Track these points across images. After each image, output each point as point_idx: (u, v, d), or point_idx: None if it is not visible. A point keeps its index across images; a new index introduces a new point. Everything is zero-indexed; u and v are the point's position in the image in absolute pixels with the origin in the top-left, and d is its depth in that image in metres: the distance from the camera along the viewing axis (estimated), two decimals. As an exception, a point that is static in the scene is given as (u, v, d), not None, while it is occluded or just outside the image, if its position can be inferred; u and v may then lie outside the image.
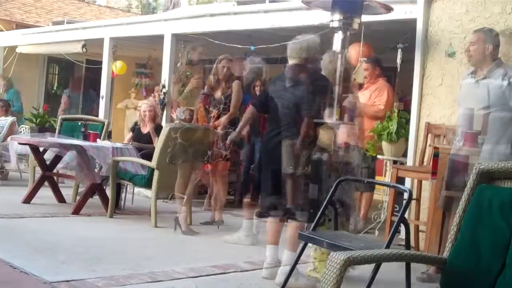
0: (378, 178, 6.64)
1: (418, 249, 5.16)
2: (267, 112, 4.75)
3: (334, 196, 3.61)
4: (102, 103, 9.38)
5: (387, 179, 5.96)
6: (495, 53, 4.15)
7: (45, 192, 6.69)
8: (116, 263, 4.22)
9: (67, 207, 6.41)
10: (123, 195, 6.70)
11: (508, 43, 4.07)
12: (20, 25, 12.43)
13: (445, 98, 5.46)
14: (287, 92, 4.58)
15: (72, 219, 5.94)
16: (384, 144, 5.81)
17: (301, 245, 3.62)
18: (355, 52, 6.42)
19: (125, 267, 4.13)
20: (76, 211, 6.08)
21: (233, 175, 6.85)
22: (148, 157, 6.03)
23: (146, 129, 6.85)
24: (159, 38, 8.31)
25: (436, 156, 4.47)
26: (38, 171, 6.84)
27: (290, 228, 4.22)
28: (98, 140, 6.77)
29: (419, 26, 5.65)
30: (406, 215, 3.57)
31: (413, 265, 3.09)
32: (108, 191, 6.21)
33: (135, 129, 7.16)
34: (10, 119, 8.56)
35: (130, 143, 6.83)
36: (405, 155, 5.82)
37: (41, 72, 13.18)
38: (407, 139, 5.72)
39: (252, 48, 7.60)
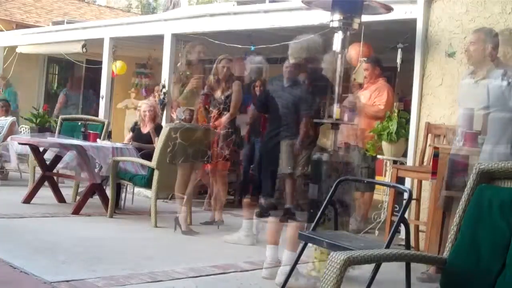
0: (378, 178, 6.64)
1: (418, 249, 5.16)
2: (267, 112, 4.75)
3: (334, 196, 3.60)
4: (102, 103, 9.38)
5: (387, 179, 5.96)
6: (494, 53, 4.15)
7: (45, 192, 6.69)
8: (116, 263, 4.22)
9: (67, 207, 6.41)
10: (123, 195, 6.70)
11: (507, 43, 4.06)
12: (20, 25, 12.43)
13: (445, 98, 5.46)
14: (286, 92, 4.58)
15: (72, 219, 5.94)
16: (384, 144, 5.81)
17: (301, 245, 3.62)
18: (355, 52, 6.42)
19: (125, 267, 4.13)
20: (76, 211, 6.08)
21: (233, 175, 6.85)
22: (148, 157, 6.03)
23: (146, 129, 6.86)
24: (159, 38, 8.31)
25: (436, 156, 4.47)
26: (38, 171, 6.84)
27: (290, 228, 4.22)
28: (98, 140, 6.77)
29: (419, 26, 5.65)
30: (406, 215, 3.57)
31: (413, 265, 3.09)
32: (108, 191, 6.21)
33: (135, 129, 7.17)
34: (10, 119, 8.56)
35: (130, 143, 6.83)
36: (405, 155, 5.82)
37: (41, 72, 13.18)
38: (407, 139, 5.72)
39: (252, 48, 7.60)
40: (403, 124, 5.70)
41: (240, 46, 7.34)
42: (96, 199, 6.47)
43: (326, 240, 3.28)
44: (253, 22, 7.30)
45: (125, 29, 9.16)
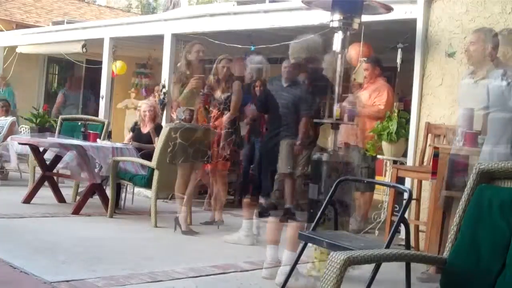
0: (378, 178, 6.64)
1: (418, 249, 5.16)
2: (268, 112, 4.76)
3: (334, 196, 3.60)
4: (102, 103, 9.38)
5: (387, 179, 5.96)
6: (494, 53, 4.14)
7: (45, 192, 6.69)
8: (116, 263, 4.22)
9: (67, 207, 6.41)
10: (123, 195, 6.70)
11: (507, 43, 4.06)
12: (20, 25, 12.42)
13: (445, 98, 5.46)
14: (285, 92, 4.58)
15: (72, 219, 5.94)
16: (384, 144, 5.81)
17: (301, 245, 3.62)
18: (355, 52, 6.42)
19: (125, 267, 4.13)
20: (76, 211, 6.08)
21: (233, 175, 6.85)
22: (148, 157, 6.03)
23: (146, 129, 6.86)
24: (159, 38, 8.31)
25: (436, 156, 4.47)
26: (38, 171, 6.84)
27: (290, 228, 4.22)
28: (98, 140, 6.77)
29: (419, 26, 5.65)
30: (406, 215, 3.57)
31: (413, 265, 3.09)
32: (108, 191, 6.21)
33: (135, 129, 7.17)
34: (10, 119, 8.56)
35: (130, 143, 6.83)
36: (405, 155, 5.82)
37: (41, 72, 13.18)
38: (407, 139, 5.72)
39: (252, 48, 7.60)
40: (403, 124, 5.71)
41: (240, 46, 7.34)
42: (96, 199, 6.47)
43: (326, 240, 3.28)
44: (253, 22, 7.30)
45: (125, 29, 9.16)
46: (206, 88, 6.10)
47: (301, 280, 4.00)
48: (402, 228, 3.91)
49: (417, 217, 5.37)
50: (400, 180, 5.33)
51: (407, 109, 5.99)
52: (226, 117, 5.90)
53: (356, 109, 5.44)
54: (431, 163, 4.82)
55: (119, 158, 6.15)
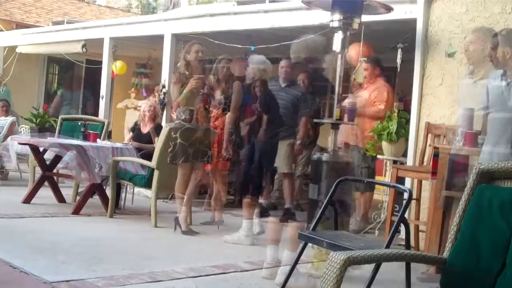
0: (378, 178, 6.64)
1: (418, 249, 5.16)
2: (268, 112, 4.76)
3: (334, 196, 3.60)
4: (102, 103, 9.38)
5: (387, 179, 5.96)
6: (494, 53, 4.14)
7: (45, 192, 6.69)
8: (116, 263, 4.22)
9: (67, 207, 6.41)
10: (123, 195, 6.71)
11: (507, 43, 4.05)
12: (20, 25, 12.42)
13: (445, 98, 5.46)
14: (283, 92, 4.59)
15: (72, 219, 5.94)
16: (384, 144, 5.81)
17: (301, 245, 3.62)
18: (355, 52, 6.42)
19: (125, 267, 4.13)
20: (76, 211, 6.08)
21: (233, 175, 6.85)
22: (148, 157, 6.03)
23: (146, 129, 6.87)
24: (159, 38, 8.31)
25: (436, 156, 4.47)
26: (38, 171, 6.84)
27: (290, 228, 4.22)
28: (98, 140, 6.77)
29: (419, 26, 5.65)
30: (406, 215, 3.57)
31: (413, 265, 3.09)
32: (108, 191, 6.21)
33: (135, 129, 7.17)
34: (10, 119, 8.56)
35: (130, 143, 6.84)
36: (405, 155, 5.82)
37: (41, 72, 13.17)
38: (407, 139, 5.72)
39: (252, 48, 7.60)
40: (403, 124, 5.71)
41: (240, 46, 7.34)
42: (96, 199, 6.47)
43: (326, 240, 3.28)
44: (253, 22, 7.30)
45: (125, 29, 9.16)
46: (206, 88, 6.10)
47: (301, 280, 4.00)
48: (402, 228, 3.91)
49: (417, 217, 5.37)
50: (400, 180, 5.33)
51: (407, 109, 5.99)
52: (228, 118, 5.88)
53: (356, 109, 5.45)
54: (431, 163, 4.82)
55: (119, 158, 6.15)
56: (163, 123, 7.42)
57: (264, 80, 5.39)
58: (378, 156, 6.06)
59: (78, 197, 6.69)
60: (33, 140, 6.75)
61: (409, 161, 5.70)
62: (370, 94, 6.28)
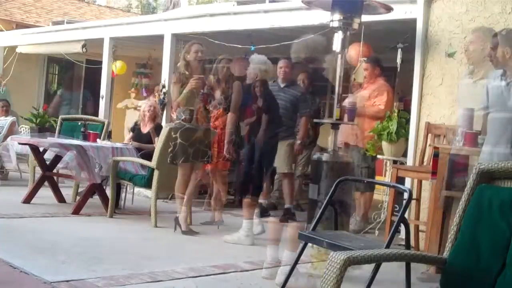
0: (378, 178, 6.64)
1: (418, 249, 5.16)
2: (268, 113, 4.77)
3: (334, 196, 3.60)
4: (102, 103, 9.38)
5: (387, 179, 5.96)
6: (493, 53, 4.14)
7: (45, 192, 6.69)
8: (116, 263, 4.22)
9: (67, 207, 6.41)
10: (123, 195, 6.71)
11: (507, 43, 4.05)
12: (20, 25, 12.42)
13: (445, 98, 5.46)
14: (282, 93, 4.60)
15: (72, 219, 5.94)
16: (384, 144, 5.81)
17: (301, 245, 3.62)
18: (355, 52, 6.42)
19: (125, 267, 4.13)
20: (76, 211, 6.08)
21: (233, 175, 6.85)
22: (148, 157, 6.03)
23: (146, 129, 6.87)
24: (159, 38, 8.31)
25: (436, 156, 4.47)
26: (38, 171, 6.84)
27: (290, 228, 4.23)
28: (98, 140, 6.77)
29: (419, 26, 5.65)
30: (406, 215, 3.57)
31: (413, 265, 3.09)
32: (108, 191, 6.21)
33: (135, 129, 7.17)
34: (10, 119, 8.56)
35: (130, 143, 6.84)
36: (405, 155, 5.82)
37: (41, 72, 13.17)
38: (407, 139, 5.72)
39: (252, 48, 7.59)
40: (403, 124, 5.70)
41: (240, 46, 7.34)
42: (96, 199, 6.47)
43: (326, 240, 3.28)
44: (253, 22, 7.30)
45: (125, 29, 9.16)
46: (206, 88, 6.10)
47: (301, 280, 4.00)
48: (402, 228, 3.91)
49: (417, 217, 5.37)
50: (400, 180, 5.34)
51: (407, 109, 5.99)
52: (229, 119, 5.85)
53: (356, 109, 5.45)
54: (431, 163, 4.82)
55: (119, 158, 6.15)
56: (163, 123, 7.42)
57: (264, 80, 5.40)
58: (378, 156, 6.06)
59: (78, 197, 6.69)
60: (33, 140, 6.75)
61: (409, 161, 5.70)
62: (370, 94, 6.28)
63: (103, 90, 9.37)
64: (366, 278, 2.84)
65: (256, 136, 5.55)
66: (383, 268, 2.77)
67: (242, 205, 5.40)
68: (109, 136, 7.65)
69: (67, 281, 3.69)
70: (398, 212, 4.29)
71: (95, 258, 4.30)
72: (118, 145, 6.68)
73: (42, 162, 6.69)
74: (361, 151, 6.18)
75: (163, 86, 8.13)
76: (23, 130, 9.39)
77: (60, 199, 6.77)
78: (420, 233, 5.33)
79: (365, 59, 6.45)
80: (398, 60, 6.30)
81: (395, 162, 5.82)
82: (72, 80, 12.82)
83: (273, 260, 4.24)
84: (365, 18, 4.69)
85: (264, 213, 6.10)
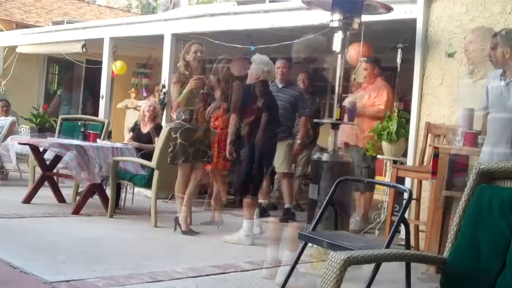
0: (378, 178, 6.64)
1: (418, 249, 5.16)
2: (267, 113, 4.77)
3: (334, 196, 3.60)
4: (102, 103, 9.38)
5: (387, 179, 5.96)
6: (493, 53, 4.14)
7: (45, 192, 6.69)
8: (116, 263, 4.22)
9: (67, 207, 6.41)
10: (123, 195, 6.71)
11: (506, 43, 4.05)
12: (20, 25, 12.42)
13: (445, 98, 5.46)
14: (281, 93, 4.60)
15: (72, 219, 5.94)
16: (384, 144, 5.81)
17: (301, 245, 3.62)
18: (355, 52, 6.42)
19: (125, 267, 4.13)
20: (76, 211, 6.08)
21: (233, 175, 6.86)
22: (148, 157, 6.03)
23: (146, 129, 6.87)
24: (159, 38, 8.31)
25: (436, 156, 4.47)
26: (38, 171, 6.84)
27: (290, 228, 4.23)
28: (98, 140, 6.77)
29: (419, 26, 5.65)
30: (406, 215, 3.58)
31: (413, 265, 3.09)
32: (108, 191, 6.21)
33: (135, 129, 7.17)
34: (10, 119, 8.56)
35: (130, 143, 6.84)
36: (405, 155, 5.82)
37: (41, 72, 13.17)
38: (407, 139, 5.72)
39: (252, 48, 7.60)
40: (403, 124, 5.71)
41: (240, 46, 7.34)
42: (96, 199, 6.47)
43: (326, 240, 3.28)
44: (253, 22, 7.30)
45: (125, 29, 9.16)
46: (206, 88, 6.10)
47: (301, 280, 4.00)
48: (402, 228, 3.91)
49: (417, 217, 5.37)
50: (400, 180, 5.34)
51: (407, 109, 5.99)
52: (232, 120, 5.84)
53: (356, 109, 5.45)
54: (431, 163, 4.82)
55: (119, 158, 6.15)
56: (163, 123, 7.42)
57: (265, 81, 5.41)
58: (378, 156, 6.06)
59: (78, 197, 6.69)
60: (33, 140, 6.74)
61: (409, 161, 5.70)
62: (370, 94, 6.28)
63: (103, 90, 9.37)
64: (366, 278, 2.84)
65: (255, 136, 5.56)
66: (383, 268, 2.77)
67: (242, 205, 5.40)
68: (109, 136, 7.64)
69: (67, 281, 3.69)
70: (398, 212, 4.29)
71: (95, 258, 4.30)
72: (118, 145, 6.68)
73: (42, 162, 6.69)
74: (361, 151, 6.18)
75: (163, 86, 8.13)
76: (23, 130, 9.39)
77: (60, 199, 6.77)
78: (420, 233, 5.34)
79: (365, 59, 6.45)
80: (398, 60, 6.30)
81: (395, 162, 5.82)
82: (72, 80, 12.83)
83: (273, 260, 4.24)
84: (365, 18, 4.69)
85: (264, 213, 6.11)
